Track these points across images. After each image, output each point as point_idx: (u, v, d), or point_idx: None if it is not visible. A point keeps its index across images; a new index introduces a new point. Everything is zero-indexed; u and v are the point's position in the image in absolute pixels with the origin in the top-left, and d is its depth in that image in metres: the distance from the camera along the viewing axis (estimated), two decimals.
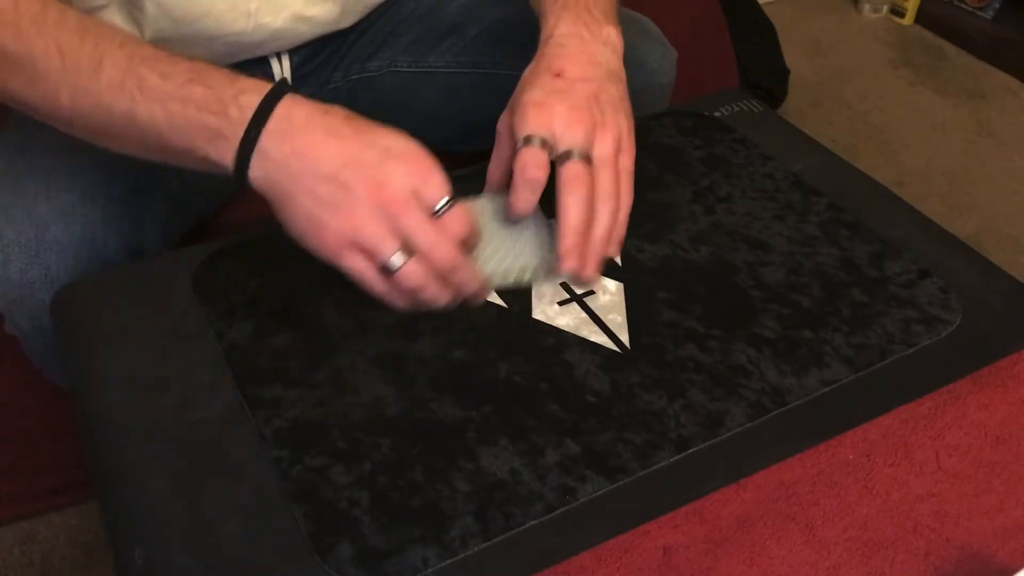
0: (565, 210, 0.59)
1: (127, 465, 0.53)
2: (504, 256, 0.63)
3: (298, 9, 0.79)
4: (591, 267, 0.61)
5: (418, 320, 0.61)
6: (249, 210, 0.89)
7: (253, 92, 0.56)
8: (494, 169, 0.66)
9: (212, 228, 0.87)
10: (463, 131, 0.93)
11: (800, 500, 0.53)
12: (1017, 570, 0.48)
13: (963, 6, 2.04)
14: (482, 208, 0.63)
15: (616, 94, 0.63)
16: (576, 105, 0.60)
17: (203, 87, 0.56)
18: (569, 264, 0.60)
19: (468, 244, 0.58)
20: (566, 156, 0.60)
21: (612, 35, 0.66)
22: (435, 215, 0.56)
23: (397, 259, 0.55)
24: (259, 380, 0.57)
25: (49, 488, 1.09)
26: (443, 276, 0.57)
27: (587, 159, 0.60)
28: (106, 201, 0.70)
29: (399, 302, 0.58)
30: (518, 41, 0.83)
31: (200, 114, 0.55)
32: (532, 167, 0.59)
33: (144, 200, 0.75)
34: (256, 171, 0.55)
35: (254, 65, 0.84)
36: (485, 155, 0.72)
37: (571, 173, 0.59)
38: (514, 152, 0.61)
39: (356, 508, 0.50)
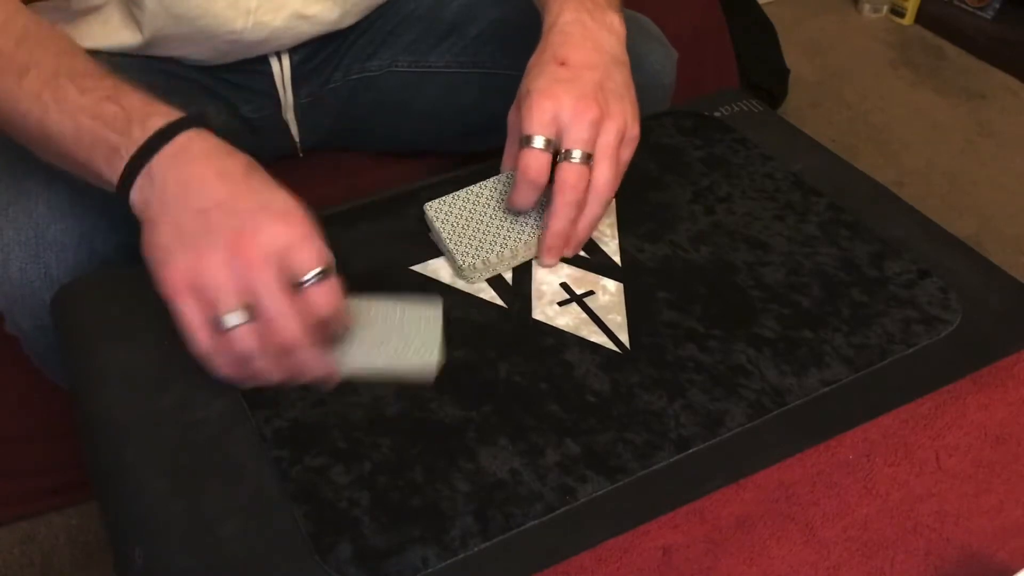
0: (555, 213, 0.62)
1: (127, 465, 0.53)
2: (518, 233, 0.65)
3: (298, 8, 0.79)
4: (569, 253, 0.65)
5: None
6: None
7: (162, 116, 0.54)
8: (506, 162, 0.68)
9: None
10: (463, 131, 0.93)
11: (800, 500, 0.53)
12: (1017, 570, 0.48)
13: (963, 6, 2.04)
14: (504, 183, 0.67)
15: (621, 81, 0.64)
16: (583, 95, 0.60)
17: (116, 106, 0.54)
18: (547, 261, 0.65)
19: (334, 325, 0.53)
20: (567, 155, 0.61)
21: (615, 22, 0.66)
22: (299, 286, 0.51)
23: (233, 318, 0.50)
24: None
25: (49, 488, 1.09)
26: (281, 353, 0.51)
27: (588, 156, 0.61)
28: (105, 201, 0.70)
29: (222, 367, 0.53)
30: (518, 41, 0.83)
31: (104, 130, 0.54)
32: (533, 170, 0.61)
33: None
34: (136, 193, 0.53)
35: (254, 64, 0.84)
36: (485, 155, 0.72)
37: (570, 177, 0.61)
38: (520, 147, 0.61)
39: (356, 508, 0.50)
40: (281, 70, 0.86)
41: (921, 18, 2.09)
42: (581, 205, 0.62)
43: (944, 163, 1.70)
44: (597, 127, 0.61)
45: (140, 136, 0.53)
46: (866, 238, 0.68)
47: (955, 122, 1.81)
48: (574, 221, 0.63)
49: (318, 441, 0.53)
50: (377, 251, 0.66)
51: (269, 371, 0.52)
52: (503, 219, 0.65)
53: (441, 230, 0.65)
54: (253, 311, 0.50)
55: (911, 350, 0.60)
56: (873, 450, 0.56)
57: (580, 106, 0.60)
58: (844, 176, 0.76)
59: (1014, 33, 1.94)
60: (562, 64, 0.62)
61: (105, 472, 0.54)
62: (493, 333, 0.61)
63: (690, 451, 0.53)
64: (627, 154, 0.64)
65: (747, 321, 0.61)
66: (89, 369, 0.59)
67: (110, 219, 0.70)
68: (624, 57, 0.66)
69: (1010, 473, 0.55)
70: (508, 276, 0.65)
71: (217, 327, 0.50)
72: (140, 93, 0.56)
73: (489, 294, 0.63)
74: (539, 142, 0.60)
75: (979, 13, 2.01)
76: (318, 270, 0.51)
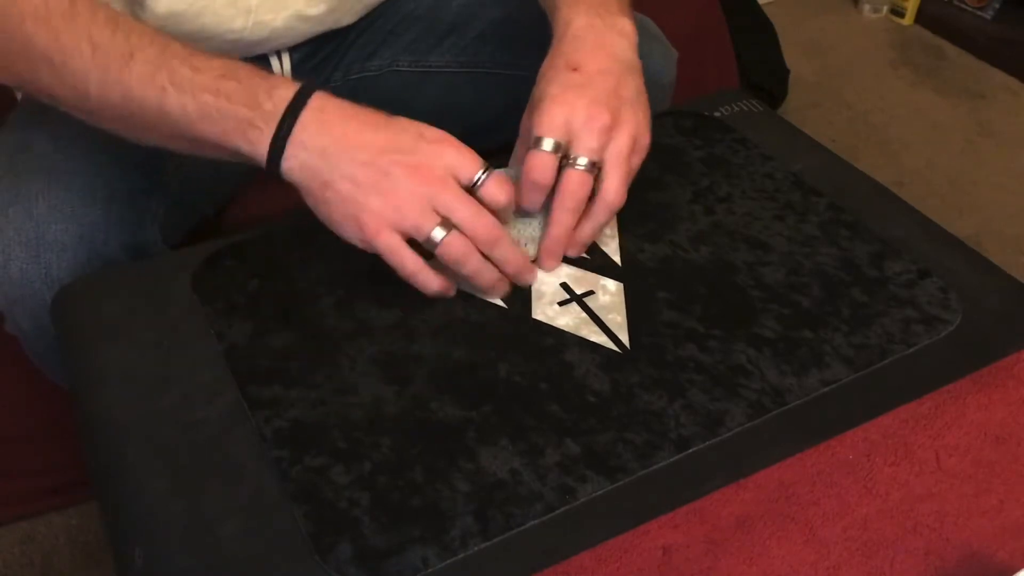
0: (553, 220, 0.62)
1: (127, 465, 0.53)
2: (517, 233, 0.65)
3: (299, 8, 0.79)
4: (573, 253, 0.66)
5: (418, 320, 0.61)
6: (249, 210, 0.89)
7: (286, 87, 0.58)
8: (513, 164, 0.67)
9: (212, 228, 0.87)
10: (464, 131, 0.93)
11: (800, 500, 0.53)
12: (1017, 570, 0.48)
13: (963, 6, 2.04)
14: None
15: (634, 87, 0.64)
16: (596, 100, 0.61)
17: (235, 82, 0.58)
18: (546, 265, 0.65)
19: (506, 211, 0.60)
20: (573, 162, 0.61)
21: (627, 26, 0.66)
22: (473, 188, 0.58)
23: (438, 232, 0.56)
24: (259, 380, 0.57)
25: (49, 488, 1.09)
26: (487, 247, 0.59)
27: (594, 164, 0.61)
28: (106, 201, 0.70)
29: (432, 283, 0.59)
30: (519, 41, 0.83)
31: (233, 106, 0.57)
32: (537, 170, 0.61)
33: (144, 200, 0.75)
34: (290, 161, 0.57)
35: (253, 63, 0.84)
36: (486, 155, 0.72)
37: (571, 183, 0.61)
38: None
39: (356, 508, 0.50)
40: (281, 69, 0.86)
41: (921, 18, 2.09)
42: (579, 212, 0.62)
43: (944, 163, 1.70)
44: (608, 134, 0.61)
45: (273, 108, 0.57)
46: (866, 238, 0.68)
47: (955, 122, 1.80)
48: (572, 228, 0.63)
49: (318, 441, 0.53)
50: None
51: (479, 270, 0.59)
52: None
53: None
54: (451, 223, 0.57)
55: (911, 350, 0.60)
56: (873, 450, 0.56)
57: (593, 112, 0.60)
58: (844, 176, 0.76)
59: (1014, 33, 1.94)
60: (575, 70, 0.62)
61: (105, 472, 0.54)
62: (493, 333, 0.61)
63: (690, 451, 0.53)
64: (637, 161, 0.64)
65: (747, 321, 0.61)
66: (89, 369, 0.59)
67: (111, 219, 0.70)
68: (637, 62, 0.66)
69: (1010, 473, 0.55)
70: None
71: (430, 244, 0.57)
72: (249, 67, 0.59)
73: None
74: (548, 144, 0.60)
75: (979, 13, 2.01)
76: (482, 170, 0.58)
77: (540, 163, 0.61)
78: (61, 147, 0.72)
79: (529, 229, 0.65)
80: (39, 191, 0.68)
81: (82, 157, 0.71)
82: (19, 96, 0.83)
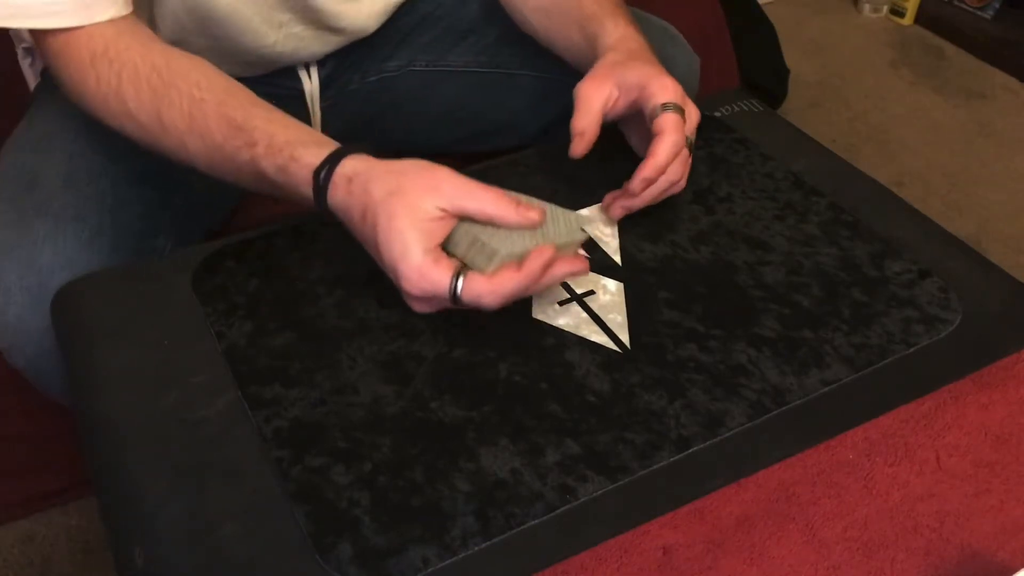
0: (661, 157, 0.66)
1: (127, 465, 0.53)
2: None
3: (328, 22, 0.80)
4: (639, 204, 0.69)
5: (418, 320, 0.61)
6: (250, 213, 0.89)
7: (308, 166, 0.60)
8: (585, 127, 0.69)
9: None
10: (479, 131, 0.93)
11: (800, 500, 0.53)
12: (1017, 570, 0.48)
13: (963, 6, 2.04)
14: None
15: None
16: (677, 84, 0.70)
17: (280, 160, 0.61)
18: (638, 204, 0.68)
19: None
20: (674, 108, 0.68)
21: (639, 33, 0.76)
22: (456, 301, 0.56)
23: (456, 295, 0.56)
24: (259, 380, 0.57)
25: (49, 488, 1.09)
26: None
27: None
28: (112, 248, 0.69)
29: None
30: (536, 43, 0.83)
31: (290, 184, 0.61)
32: (681, 128, 0.67)
33: (150, 243, 0.74)
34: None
35: (283, 80, 0.85)
36: (498, 155, 0.72)
37: (679, 123, 0.67)
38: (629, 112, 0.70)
39: (356, 508, 0.50)
40: (310, 81, 0.87)
41: (921, 18, 2.09)
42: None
43: (944, 163, 1.70)
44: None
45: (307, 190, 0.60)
46: (866, 238, 0.68)
47: (955, 122, 1.80)
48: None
49: (318, 441, 0.53)
50: None
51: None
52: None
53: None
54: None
55: (911, 350, 0.60)
56: (873, 450, 0.56)
57: (680, 92, 0.69)
58: (844, 176, 0.76)
59: (1014, 33, 1.94)
60: (651, 63, 0.71)
61: (105, 472, 0.54)
62: (493, 333, 0.61)
63: (690, 451, 0.53)
64: None
65: (747, 321, 0.61)
66: (89, 369, 0.59)
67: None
68: None
69: (1010, 473, 0.55)
70: None
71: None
72: (286, 148, 0.61)
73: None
74: (674, 108, 0.67)
75: (979, 13, 2.01)
76: (451, 288, 0.56)
77: (677, 124, 0.67)
78: (70, 183, 0.70)
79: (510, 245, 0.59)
80: (46, 236, 0.67)
81: (89, 196, 0.70)
82: (30, 81, 0.83)
